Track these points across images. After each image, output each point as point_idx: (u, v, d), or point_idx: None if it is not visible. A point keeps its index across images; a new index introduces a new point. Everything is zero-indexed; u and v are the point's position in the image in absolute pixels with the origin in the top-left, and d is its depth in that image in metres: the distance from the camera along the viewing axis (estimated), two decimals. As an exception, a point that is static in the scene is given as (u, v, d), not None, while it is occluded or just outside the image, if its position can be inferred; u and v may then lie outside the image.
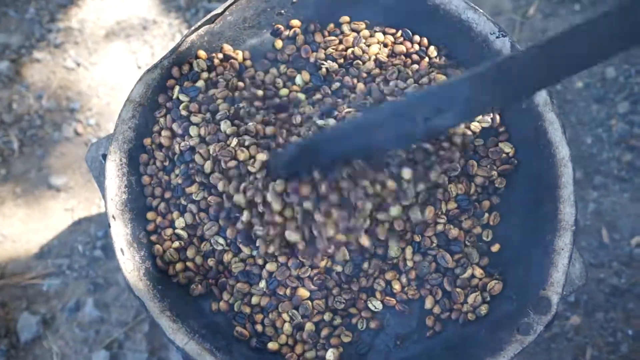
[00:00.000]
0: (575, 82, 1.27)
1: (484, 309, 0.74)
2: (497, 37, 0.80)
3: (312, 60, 0.82)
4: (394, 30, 0.83)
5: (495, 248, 0.77)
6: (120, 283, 1.13)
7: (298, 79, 0.80)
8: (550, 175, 0.76)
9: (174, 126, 0.79)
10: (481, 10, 0.80)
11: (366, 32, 0.83)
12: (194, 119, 0.78)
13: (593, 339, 1.12)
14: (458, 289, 0.75)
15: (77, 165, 1.21)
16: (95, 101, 1.26)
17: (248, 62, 0.83)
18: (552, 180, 0.75)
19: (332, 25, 0.84)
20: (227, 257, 0.75)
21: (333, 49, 0.82)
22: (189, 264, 0.76)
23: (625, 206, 1.19)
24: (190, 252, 0.76)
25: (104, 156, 0.85)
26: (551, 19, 1.32)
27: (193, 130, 0.77)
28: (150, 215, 0.78)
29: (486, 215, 0.78)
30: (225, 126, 0.75)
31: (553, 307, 0.71)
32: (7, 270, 1.14)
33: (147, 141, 0.80)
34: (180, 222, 0.77)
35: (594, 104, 1.25)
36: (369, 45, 0.82)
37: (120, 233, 0.75)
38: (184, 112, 0.78)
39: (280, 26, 0.84)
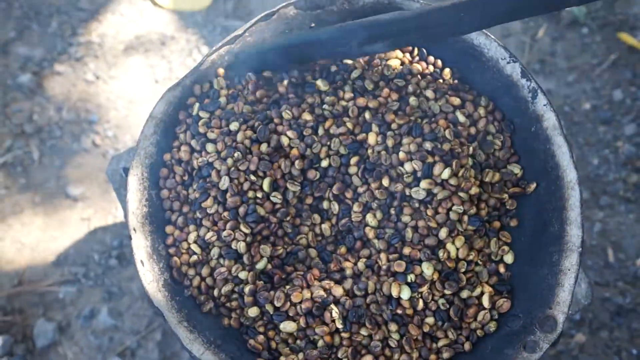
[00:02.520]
0: (582, 103, 1.30)
1: (492, 326, 0.76)
2: (507, 63, 0.82)
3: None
4: (410, 48, 0.86)
5: (504, 267, 0.79)
6: (134, 292, 1.16)
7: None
8: (558, 197, 0.78)
9: (193, 142, 0.81)
10: (492, 36, 0.83)
11: None
12: (210, 135, 0.80)
13: (598, 358, 1.13)
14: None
15: (95, 176, 1.24)
16: (114, 114, 1.29)
17: (267, 73, 0.86)
18: (559, 202, 0.78)
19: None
20: (226, 288, 0.77)
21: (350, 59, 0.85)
22: (202, 283, 0.78)
23: (631, 227, 1.21)
24: (205, 271, 0.78)
25: (125, 169, 0.89)
26: (559, 42, 1.34)
27: (210, 147, 0.80)
28: (168, 228, 0.80)
29: (496, 235, 0.80)
30: (239, 132, 0.78)
31: (559, 326, 0.73)
32: (25, 277, 1.17)
33: (167, 156, 0.82)
34: (192, 236, 0.79)
35: (601, 126, 1.28)
36: (387, 60, 0.85)
37: (141, 245, 0.77)
38: (202, 129, 0.81)
39: None
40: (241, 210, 0.77)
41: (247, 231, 0.76)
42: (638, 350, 1.13)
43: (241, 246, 0.76)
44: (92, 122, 1.28)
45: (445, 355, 0.76)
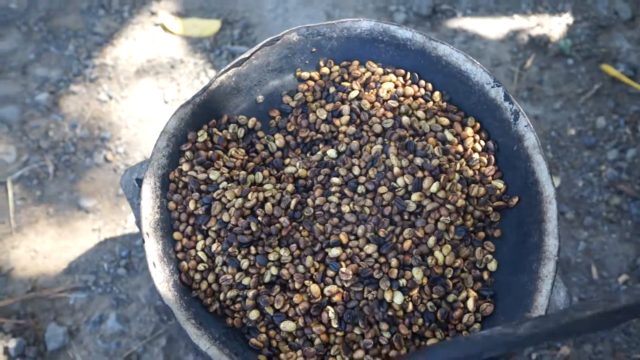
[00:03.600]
0: (568, 129, 1.37)
1: (477, 328, 0.82)
2: (492, 87, 0.90)
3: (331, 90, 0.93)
4: (403, 72, 0.94)
5: (487, 274, 0.86)
6: (141, 299, 1.22)
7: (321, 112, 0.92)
8: (537, 211, 0.85)
9: (196, 166, 0.88)
10: (478, 63, 0.90)
11: (380, 70, 0.93)
12: (213, 173, 0.87)
13: (581, 370, 1.19)
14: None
15: (106, 190, 1.31)
16: (125, 131, 1.37)
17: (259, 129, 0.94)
18: (539, 215, 0.84)
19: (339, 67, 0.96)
20: (231, 293, 0.83)
21: (347, 82, 0.93)
22: (208, 288, 0.85)
23: (614, 246, 1.28)
24: (211, 277, 0.85)
25: (138, 180, 0.95)
26: (546, 72, 1.42)
27: (214, 174, 0.87)
28: (176, 235, 0.87)
29: (481, 244, 0.86)
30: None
31: (536, 327, 0.79)
32: (38, 284, 1.23)
33: (172, 175, 0.89)
34: (200, 245, 0.86)
35: (585, 151, 1.35)
36: (382, 83, 0.92)
37: (153, 248, 0.84)
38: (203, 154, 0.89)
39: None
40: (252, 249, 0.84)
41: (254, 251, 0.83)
42: (619, 363, 1.19)
43: (245, 264, 0.83)
44: (105, 139, 1.36)
45: None
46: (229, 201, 0.85)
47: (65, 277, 1.24)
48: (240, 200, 0.84)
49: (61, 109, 1.38)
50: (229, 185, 0.86)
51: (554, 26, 1.47)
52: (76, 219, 1.29)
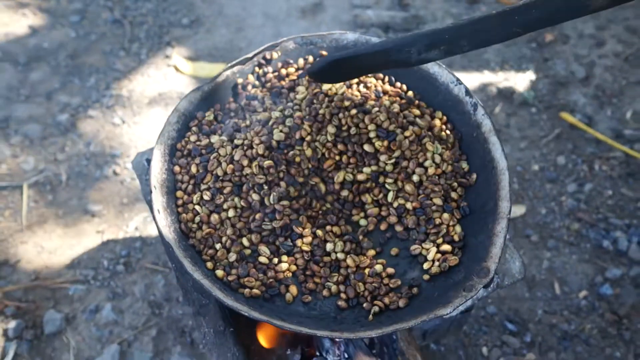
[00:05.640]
0: (532, 165, 1.53)
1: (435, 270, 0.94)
2: (455, 85, 1.06)
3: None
4: (382, 76, 1.11)
5: (458, 236, 0.98)
6: (136, 294, 1.31)
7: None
8: (493, 182, 0.98)
9: (201, 137, 1.03)
10: (444, 66, 1.08)
11: None
12: (213, 137, 1.02)
13: (546, 375, 1.26)
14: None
15: (112, 198, 1.44)
16: (133, 150, 1.52)
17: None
18: (494, 186, 0.98)
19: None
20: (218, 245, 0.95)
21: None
22: (202, 236, 0.96)
23: (574, 266, 1.39)
24: (205, 226, 0.97)
25: (147, 160, 1.09)
26: (512, 117, 1.61)
27: (214, 138, 1.02)
28: (178, 194, 0.99)
29: (452, 211, 0.99)
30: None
31: (491, 272, 0.90)
32: (41, 275, 1.32)
33: (179, 145, 1.03)
34: (196, 198, 0.98)
35: (547, 184, 1.50)
36: (366, 83, 1.09)
37: (158, 199, 0.96)
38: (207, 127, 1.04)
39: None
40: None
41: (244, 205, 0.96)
42: (582, 369, 1.26)
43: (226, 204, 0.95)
44: (115, 155, 1.50)
45: (401, 303, 0.92)
46: (224, 157, 0.98)
47: (67, 271, 1.33)
48: (229, 148, 0.98)
49: (78, 129, 1.53)
50: (225, 143, 1.00)
51: (519, 81, 1.68)
52: (82, 221, 1.40)
